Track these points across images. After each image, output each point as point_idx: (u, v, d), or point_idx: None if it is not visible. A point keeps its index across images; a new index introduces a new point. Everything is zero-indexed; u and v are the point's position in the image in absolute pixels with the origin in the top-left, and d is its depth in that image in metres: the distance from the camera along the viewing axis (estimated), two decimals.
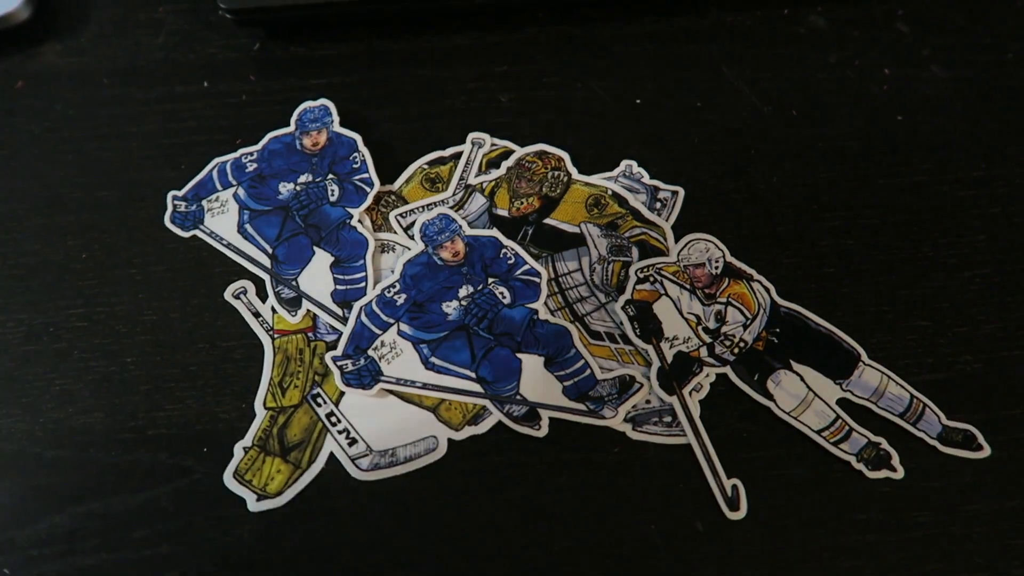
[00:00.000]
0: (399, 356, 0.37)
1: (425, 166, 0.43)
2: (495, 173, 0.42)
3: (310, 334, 0.39)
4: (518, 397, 0.36)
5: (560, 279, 0.39)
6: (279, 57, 0.47)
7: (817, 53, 0.46)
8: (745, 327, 0.38)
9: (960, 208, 0.41)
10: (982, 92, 0.45)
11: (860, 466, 0.35)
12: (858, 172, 0.42)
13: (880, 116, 0.44)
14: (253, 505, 0.35)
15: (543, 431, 0.36)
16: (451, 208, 0.41)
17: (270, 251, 0.40)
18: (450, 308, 0.38)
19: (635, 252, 0.40)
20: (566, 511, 0.35)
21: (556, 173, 0.42)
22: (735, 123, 0.44)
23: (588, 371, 0.37)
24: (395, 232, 0.41)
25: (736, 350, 0.37)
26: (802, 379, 0.37)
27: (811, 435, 0.35)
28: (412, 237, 0.40)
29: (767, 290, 0.39)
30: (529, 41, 0.47)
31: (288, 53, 0.47)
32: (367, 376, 0.37)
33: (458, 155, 0.43)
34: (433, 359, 0.37)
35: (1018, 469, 0.35)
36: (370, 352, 0.37)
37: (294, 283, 0.40)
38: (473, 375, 0.37)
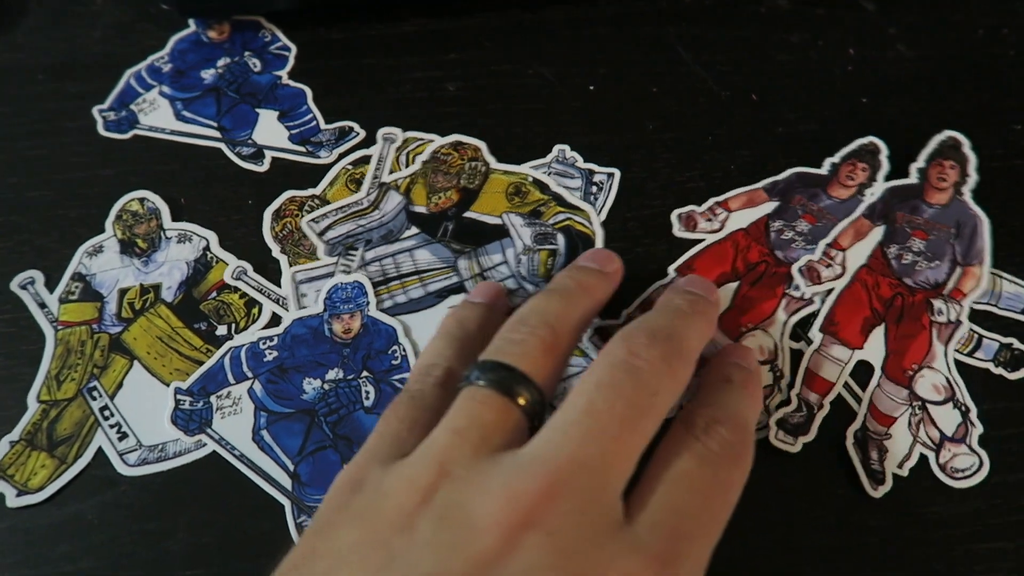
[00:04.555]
0: (237, 415, 0.35)
1: (349, 166, 0.41)
2: (409, 169, 0.40)
3: (94, 325, 0.37)
4: (249, 141, 0.37)
5: (486, 274, 0.38)
6: None
7: (778, 34, 0.44)
8: None
9: None
10: (950, 72, 0.43)
11: (1000, 370, 0.34)
12: (820, 157, 0.40)
13: (843, 98, 0.42)
14: (12, 501, 0.34)
15: None
16: (365, 210, 0.39)
17: (292, 468, 0.34)
18: (310, 386, 0.35)
19: (560, 239, 0.38)
20: None
21: (473, 164, 0.40)
22: (692, 108, 0.42)
23: None
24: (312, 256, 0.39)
25: None
26: None
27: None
28: (324, 249, 0.38)
29: None
30: (478, 27, 0.45)
31: None
32: (195, 423, 0.35)
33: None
34: (264, 432, 0.34)
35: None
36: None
37: (250, 140, 0.39)
38: (291, 468, 0.34)
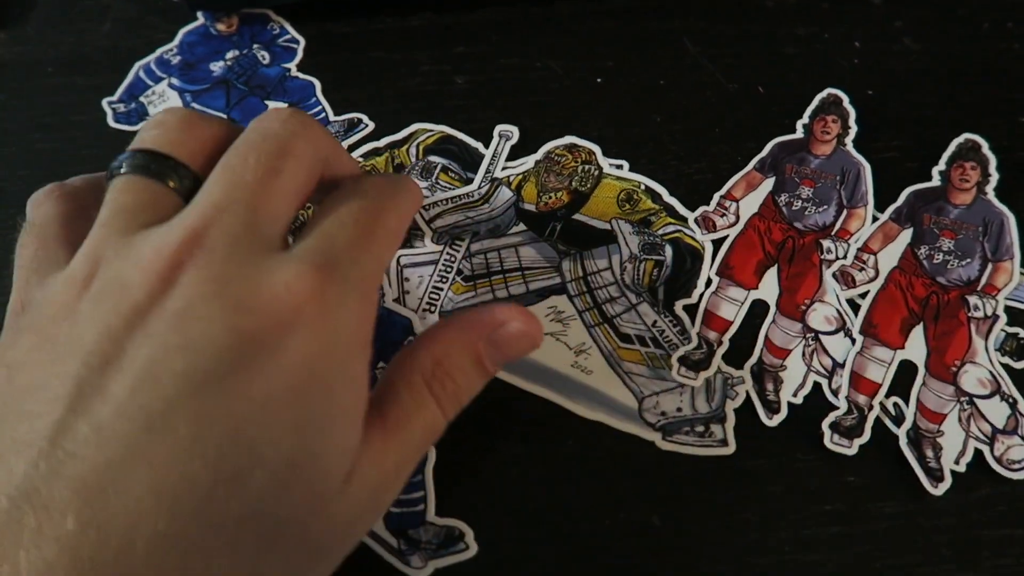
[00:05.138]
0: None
1: (360, 159, 0.41)
2: (523, 167, 0.41)
3: None
4: None
5: (589, 278, 0.38)
6: None
7: (785, 27, 0.45)
8: None
9: None
10: (955, 66, 0.43)
11: (1006, 359, 0.35)
12: None
13: (849, 91, 0.42)
14: None
15: None
16: (476, 202, 0.39)
17: (225, 118, 0.42)
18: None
19: (668, 251, 0.38)
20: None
21: (587, 167, 0.40)
22: (699, 101, 0.43)
23: (421, 507, 0.33)
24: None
25: None
26: None
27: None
28: (431, 237, 0.39)
29: None
30: (486, 21, 0.45)
31: None
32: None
33: (395, 144, 0.41)
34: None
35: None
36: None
37: None
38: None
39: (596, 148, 0.41)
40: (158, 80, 0.44)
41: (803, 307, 0.36)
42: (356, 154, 0.41)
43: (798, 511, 0.33)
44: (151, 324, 0.22)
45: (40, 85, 0.44)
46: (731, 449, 0.34)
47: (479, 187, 0.40)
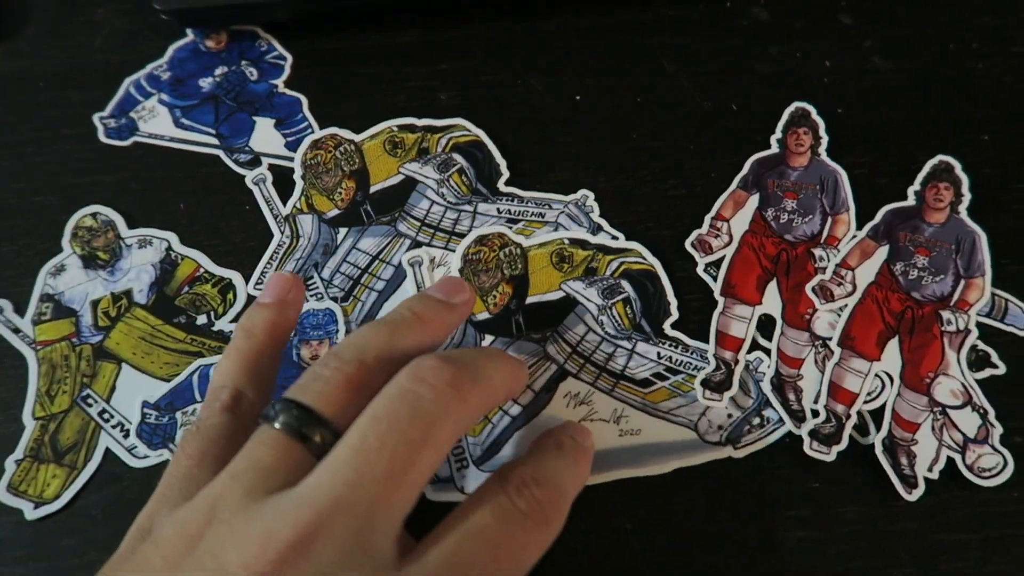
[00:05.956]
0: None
1: (395, 128, 0.43)
2: None
3: (73, 339, 0.38)
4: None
5: (579, 349, 0.37)
6: None
7: (758, 46, 0.46)
8: None
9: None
10: (923, 84, 0.44)
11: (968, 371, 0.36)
12: None
13: (820, 109, 0.43)
14: (31, 514, 0.35)
15: None
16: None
17: (214, 132, 0.43)
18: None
19: (626, 284, 0.38)
20: None
21: (507, 250, 0.39)
22: (675, 118, 0.44)
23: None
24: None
25: None
26: None
27: None
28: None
29: None
30: (470, 38, 0.47)
31: None
32: (159, 438, 0.36)
33: (431, 128, 0.43)
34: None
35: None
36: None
37: (247, 148, 0.42)
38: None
39: (503, 229, 0.40)
40: (148, 96, 0.45)
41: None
42: (393, 123, 0.43)
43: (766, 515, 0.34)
44: None
45: (33, 100, 0.45)
46: (789, 426, 0.35)
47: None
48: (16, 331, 0.39)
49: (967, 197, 0.40)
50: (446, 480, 0.35)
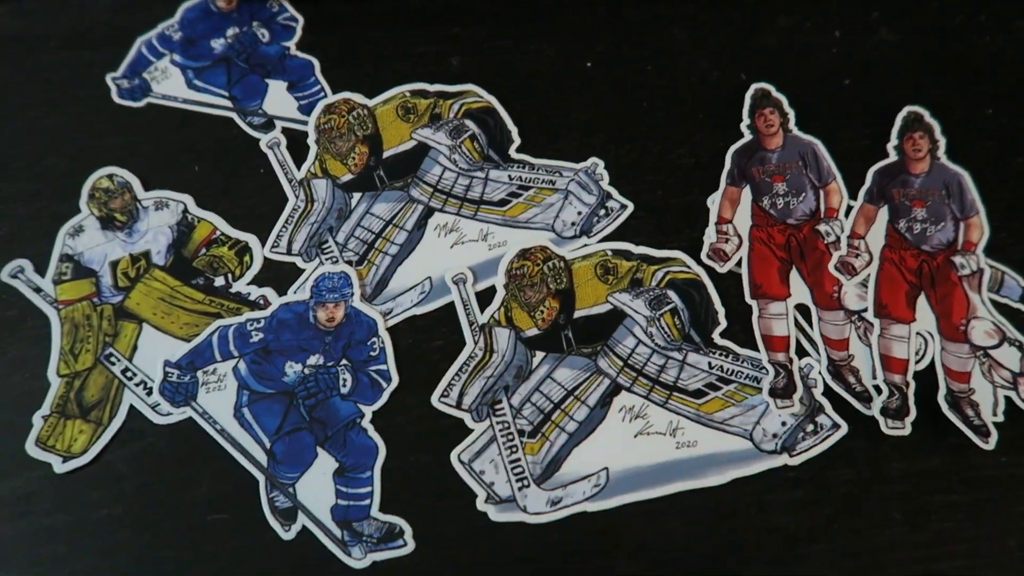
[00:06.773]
0: (220, 391, 0.37)
1: (407, 93, 0.43)
2: (496, 300, 0.38)
3: (94, 299, 0.39)
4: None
5: (629, 363, 0.37)
6: None
7: (767, 16, 0.46)
8: None
9: None
10: (929, 57, 0.45)
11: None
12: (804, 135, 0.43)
13: (827, 80, 0.44)
14: (59, 467, 0.36)
15: (291, 535, 0.34)
16: (483, 359, 0.37)
17: (268, 445, 0.36)
18: (292, 369, 0.37)
19: (672, 295, 0.38)
20: None
21: (551, 263, 0.38)
22: (683, 88, 0.44)
23: (367, 502, 0.35)
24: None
25: None
26: None
27: None
28: (473, 417, 0.36)
29: None
30: (481, 3, 0.47)
31: None
32: (181, 396, 0.36)
33: (443, 94, 0.43)
34: (245, 410, 0.36)
35: (935, 431, 0.37)
36: (199, 374, 0.37)
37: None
38: (267, 445, 0.36)
39: (546, 240, 0.39)
40: (160, 56, 0.45)
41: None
42: (406, 88, 0.43)
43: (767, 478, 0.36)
44: None
45: (41, 60, 0.45)
46: (844, 430, 0.36)
47: (474, 342, 0.38)
48: (37, 290, 0.39)
49: (942, 141, 0.41)
50: (508, 500, 0.35)
